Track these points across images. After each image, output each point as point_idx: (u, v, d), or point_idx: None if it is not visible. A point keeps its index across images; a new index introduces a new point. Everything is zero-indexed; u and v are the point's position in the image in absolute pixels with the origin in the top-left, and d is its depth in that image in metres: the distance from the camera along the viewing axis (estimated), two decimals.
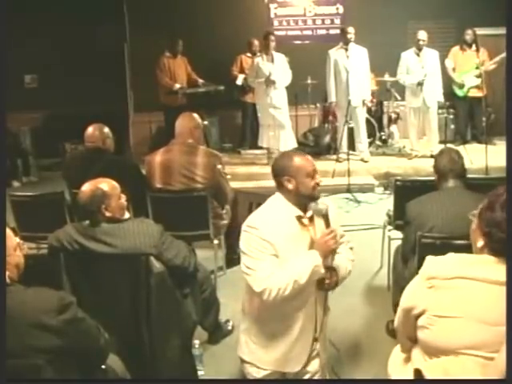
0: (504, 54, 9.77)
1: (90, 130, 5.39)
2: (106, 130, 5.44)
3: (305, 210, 3.16)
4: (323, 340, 3.34)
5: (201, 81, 10.42)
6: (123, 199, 3.72)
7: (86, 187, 3.58)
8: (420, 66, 9.38)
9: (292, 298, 3.04)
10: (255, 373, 3.26)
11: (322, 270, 3.03)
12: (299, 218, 3.13)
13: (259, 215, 3.18)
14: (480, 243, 2.30)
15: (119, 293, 3.49)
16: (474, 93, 10.15)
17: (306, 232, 3.15)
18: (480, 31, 10.53)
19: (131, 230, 3.49)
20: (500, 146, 10.27)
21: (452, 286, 2.25)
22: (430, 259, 2.39)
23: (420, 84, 9.32)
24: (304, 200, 3.14)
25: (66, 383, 2.54)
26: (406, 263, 4.13)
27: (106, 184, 3.62)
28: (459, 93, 10.35)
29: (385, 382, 2.36)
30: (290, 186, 3.11)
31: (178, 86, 10.17)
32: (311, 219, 3.17)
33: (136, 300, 3.45)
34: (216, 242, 5.33)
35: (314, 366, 3.28)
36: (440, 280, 2.28)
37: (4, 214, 3.30)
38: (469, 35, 10.14)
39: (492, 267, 2.22)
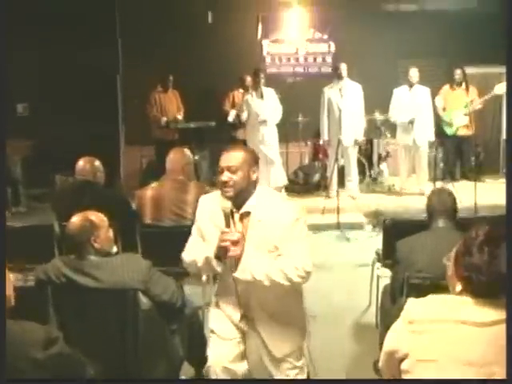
0: (493, 93, 9.91)
1: (81, 162, 5.39)
2: (97, 163, 5.45)
3: (240, 207, 3.22)
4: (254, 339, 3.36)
5: (179, 117, 10.47)
6: (111, 232, 3.73)
7: (76, 218, 3.59)
8: (411, 103, 9.46)
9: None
10: None
11: (214, 263, 3.15)
12: (231, 212, 3.19)
13: (206, 198, 3.44)
14: (458, 288, 2.28)
15: (106, 327, 3.47)
16: (463, 131, 10.27)
17: (233, 227, 3.19)
18: (470, 70, 10.68)
19: (119, 265, 3.48)
20: (489, 184, 10.36)
21: (434, 329, 2.23)
22: (411, 302, 2.37)
23: (411, 122, 9.40)
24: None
25: (66, 383, 2.52)
26: (395, 302, 4.12)
27: (95, 216, 3.64)
28: (448, 131, 10.45)
29: (385, 382, 2.34)
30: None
31: (164, 119, 10.22)
32: (244, 217, 3.22)
33: (123, 335, 3.43)
34: (204, 277, 5.30)
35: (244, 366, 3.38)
36: (422, 323, 2.25)
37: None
38: (458, 74, 10.30)
39: (473, 309, 2.21)
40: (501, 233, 2.29)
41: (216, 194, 3.34)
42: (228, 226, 3.11)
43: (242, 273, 3.12)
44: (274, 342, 3.31)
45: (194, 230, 3.39)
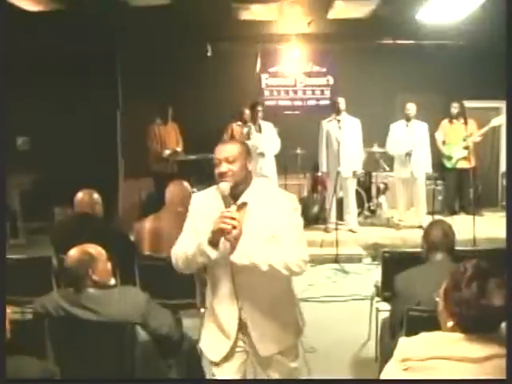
0: (490, 125, 10.01)
1: (80, 195, 5.41)
2: (96, 196, 5.46)
3: (237, 199, 3.19)
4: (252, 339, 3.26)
5: (178, 149, 10.51)
6: (109, 264, 3.72)
7: (74, 251, 3.60)
8: (409, 138, 9.51)
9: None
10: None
11: (207, 248, 3.02)
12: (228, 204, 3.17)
13: (199, 194, 3.41)
14: (450, 323, 2.28)
15: (103, 361, 3.44)
16: (463, 164, 10.31)
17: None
18: (469, 104, 10.76)
19: (117, 298, 3.48)
20: (488, 217, 10.37)
21: (427, 367, 2.22)
22: (403, 341, 2.37)
23: (408, 155, 9.44)
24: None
25: (66, 383, 2.49)
26: (394, 336, 4.09)
27: (93, 248, 3.65)
28: (448, 165, 10.51)
29: (384, 381, 2.31)
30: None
31: (167, 152, 10.25)
32: (241, 207, 3.18)
33: (120, 369, 3.40)
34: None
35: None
36: (415, 361, 2.24)
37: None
38: (455, 108, 10.40)
39: (465, 345, 2.21)
40: (489, 266, 2.29)
41: (209, 190, 3.34)
42: (227, 206, 3.09)
43: (240, 256, 3.06)
44: (263, 343, 3.25)
45: (185, 226, 3.33)
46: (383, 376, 2.40)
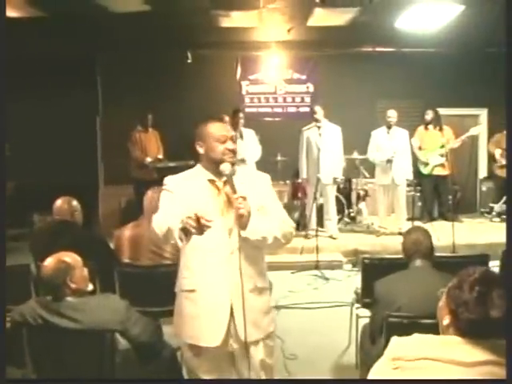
0: (469, 134, 10.08)
1: (59, 202, 5.37)
2: (75, 203, 5.43)
3: (221, 177, 3.28)
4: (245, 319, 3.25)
5: (160, 156, 10.50)
6: (86, 271, 3.70)
7: (49, 261, 3.57)
8: (389, 144, 9.55)
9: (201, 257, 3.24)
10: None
11: (176, 236, 2.99)
12: (212, 182, 3.29)
13: (174, 176, 3.41)
14: (446, 321, 2.30)
15: (83, 369, 3.41)
16: (439, 171, 10.38)
17: (219, 197, 3.28)
18: (445, 111, 10.85)
19: (97, 306, 3.45)
20: (467, 224, 10.45)
21: (417, 367, 2.22)
22: (395, 340, 2.38)
23: (389, 161, 9.48)
24: (215, 165, 3.28)
25: (66, 383, 2.47)
26: (374, 342, 4.11)
27: (69, 257, 3.62)
28: (424, 171, 10.57)
29: (384, 382, 2.31)
30: (201, 151, 3.33)
31: (149, 159, 10.23)
32: (225, 184, 3.26)
33: (100, 376, 3.38)
34: None
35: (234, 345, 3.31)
36: (405, 361, 2.25)
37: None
38: (428, 115, 10.47)
39: (457, 348, 2.21)
40: (496, 276, 2.30)
41: (187, 173, 3.43)
42: (235, 191, 3.14)
43: (253, 232, 3.15)
44: (248, 328, 3.24)
45: (162, 203, 3.34)
46: (373, 372, 2.40)
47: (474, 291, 2.21)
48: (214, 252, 3.24)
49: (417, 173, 10.48)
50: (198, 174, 3.36)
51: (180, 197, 3.26)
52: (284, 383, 3.32)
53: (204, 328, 3.28)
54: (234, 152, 3.31)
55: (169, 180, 3.39)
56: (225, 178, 3.25)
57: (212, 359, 3.36)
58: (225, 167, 3.21)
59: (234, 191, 3.14)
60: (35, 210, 10.44)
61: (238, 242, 3.18)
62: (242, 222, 3.09)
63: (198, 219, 2.87)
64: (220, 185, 3.29)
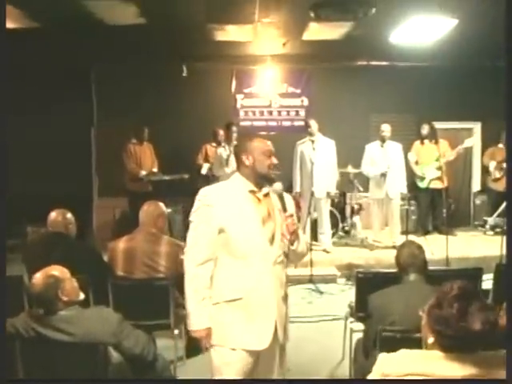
0: (463, 146, 10.13)
1: (53, 215, 5.37)
2: (69, 215, 5.42)
3: (260, 188, 3.43)
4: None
5: (155, 169, 10.50)
6: (75, 281, 3.69)
7: (38, 277, 3.56)
8: (383, 158, 9.57)
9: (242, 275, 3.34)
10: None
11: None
12: (253, 193, 3.39)
13: (211, 187, 3.48)
14: (430, 340, 2.30)
15: (75, 382, 3.40)
16: (435, 184, 10.41)
17: (260, 207, 3.39)
18: (442, 125, 10.89)
19: (89, 318, 3.45)
20: (460, 237, 10.46)
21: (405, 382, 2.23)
22: (382, 357, 2.39)
23: (383, 175, 9.50)
24: (259, 177, 3.42)
25: (66, 383, 2.45)
26: (368, 356, 4.10)
27: (56, 270, 3.62)
28: (421, 185, 10.62)
29: (383, 381, 2.31)
30: (247, 163, 3.39)
31: (143, 172, 10.22)
32: (266, 196, 3.43)
33: None
34: (176, 331, 5.23)
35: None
36: (394, 377, 2.26)
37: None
38: (424, 129, 10.55)
39: (442, 363, 2.22)
40: (474, 289, 2.31)
41: (223, 184, 3.56)
42: (284, 208, 3.36)
43: (301, 245, 3.46)
44: (281, 330, 3.53)
45: (198, 224, 3.38)
46: None
47: (454, 308, 2.22)
48: (256, 261, 3.35)
49: (413, 186, 10.52)
50: (238, 184, 3.44)
51: (220, 209, 3.31)
52: (284, 383, 3.34)
53: (253, 333, 3.38)
54: (277, 167, 3.46)
55: (207, 192, 3.41)
56: (266, 191, 3.42)
57: (252, 362, 3.46)
58: (278, 186, 3.41)
59: (285, 209, 3.34)
60: (28, 221, 10.41)
61: (282, 253, 3.42)
62: (292, 238, 3.30)
63: None
64: (260, 196, 3.41)
